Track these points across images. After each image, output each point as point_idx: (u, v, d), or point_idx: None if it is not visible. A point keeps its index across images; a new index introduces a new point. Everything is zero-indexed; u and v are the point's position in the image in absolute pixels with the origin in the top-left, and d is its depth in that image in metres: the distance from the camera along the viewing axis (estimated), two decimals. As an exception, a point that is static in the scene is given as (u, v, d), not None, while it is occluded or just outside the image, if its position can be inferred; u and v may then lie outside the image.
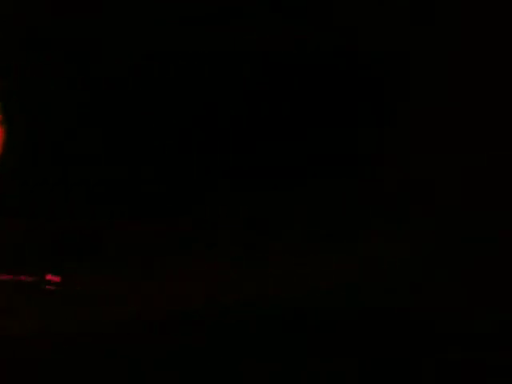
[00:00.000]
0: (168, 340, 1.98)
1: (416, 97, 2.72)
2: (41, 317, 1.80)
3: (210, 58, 2.25)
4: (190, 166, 2.77)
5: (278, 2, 2.00)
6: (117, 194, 2.47)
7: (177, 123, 2.76)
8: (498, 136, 3.11)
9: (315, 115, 2.88)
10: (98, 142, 2.41)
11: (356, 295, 2.64)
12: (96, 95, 2.37)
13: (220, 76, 2.43)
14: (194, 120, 2.76)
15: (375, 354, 2.04)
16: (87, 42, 2.05)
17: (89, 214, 2.29)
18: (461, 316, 2.27)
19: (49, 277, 1.87)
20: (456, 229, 4.45)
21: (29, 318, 1.76)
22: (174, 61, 2.32)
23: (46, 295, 1.91)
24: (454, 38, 2.17)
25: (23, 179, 2.18)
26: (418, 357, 2.01)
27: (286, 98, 2.71)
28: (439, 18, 2.05)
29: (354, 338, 2.12)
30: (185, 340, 1.99)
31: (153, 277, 2.33)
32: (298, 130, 3.07)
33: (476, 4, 1.99)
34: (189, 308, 2.25)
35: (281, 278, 2.79)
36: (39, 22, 1.91)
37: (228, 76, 2.46)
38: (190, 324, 2.07)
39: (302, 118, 2.94)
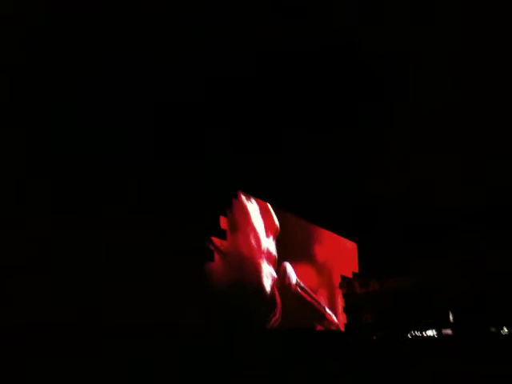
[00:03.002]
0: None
1: (416, 97, 2.72)
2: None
3: (211, 57, 2.24)
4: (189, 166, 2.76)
5: (278, 1, 1.99)
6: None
7: (176, 123, 2.75)
8: (498, 136, 3.11)
9: (315, 115, 2.88)
10: (98, 141, 2.40)
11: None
12: (96, 94, 2.36)
13: (220, 76, 2.42)
14: (193, 120, 2.75)
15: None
16: (87, 41, 2.04)
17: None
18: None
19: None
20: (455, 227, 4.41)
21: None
22: (174, 60, 2.32)
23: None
24: (454, 38, 2.16)
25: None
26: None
27: (285, 97, 2.70)
28: (439, 18, 2.04)
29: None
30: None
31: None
32: (298, 129, 3.07)
33: (476, 4, 1.99)
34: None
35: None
36: (39, 22, 1.91)
37: (228, 76, 2.45)
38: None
39: (301, 118, 2.94)
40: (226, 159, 2.97)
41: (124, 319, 2.04)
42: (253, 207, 3.15)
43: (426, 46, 2.27)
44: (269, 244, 3.18)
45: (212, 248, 2.72)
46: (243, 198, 3.12)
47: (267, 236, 3.16)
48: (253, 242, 3.04)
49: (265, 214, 3.24)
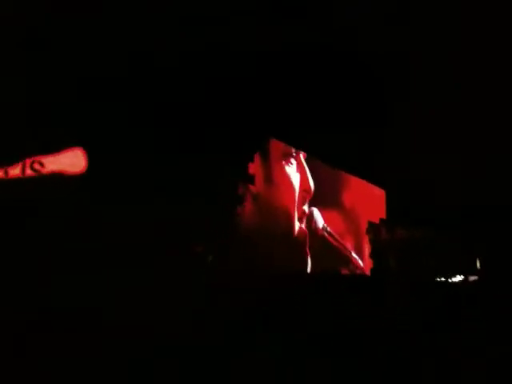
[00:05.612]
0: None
1: (416, 97, 2.73)
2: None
3: (211, 57, 2.25)
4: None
5: (278, 2, 2.00)
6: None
7: (174, 126, 2.76)
8: (497, 136, 3.11)
9: (315, 115, 2.88)
10: (97, 141, 2.41)
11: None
12: (96, 94, 2.37)
13: (220, 76, 2.43)
14: (192, 122, 2.76)
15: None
16: (87, 41, 2.05)
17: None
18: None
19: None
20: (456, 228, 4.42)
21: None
22: (174, 60, 2.32)
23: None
24: (454, 37, 2.17)
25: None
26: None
27: (285, 97, 2.71)
28: (440, 19, 2.05)
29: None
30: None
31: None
32: (298, 129, 3.08)
33: (476, 5, 1.99)
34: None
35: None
36: (39, 22, 1.91)
37: (228, 75, 2.46)
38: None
39: (301, 118, 2.95)
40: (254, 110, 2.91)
41: (124, 319, 2.04)
42: (289, 163, 3.14)
43: (426, 45, 2.27)
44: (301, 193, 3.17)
45: (242, 192, 2.68)
46: (276, 145, 3.07)
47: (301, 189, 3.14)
48: (283, 187, 3.02)
49: (301, 172, 3.22)
